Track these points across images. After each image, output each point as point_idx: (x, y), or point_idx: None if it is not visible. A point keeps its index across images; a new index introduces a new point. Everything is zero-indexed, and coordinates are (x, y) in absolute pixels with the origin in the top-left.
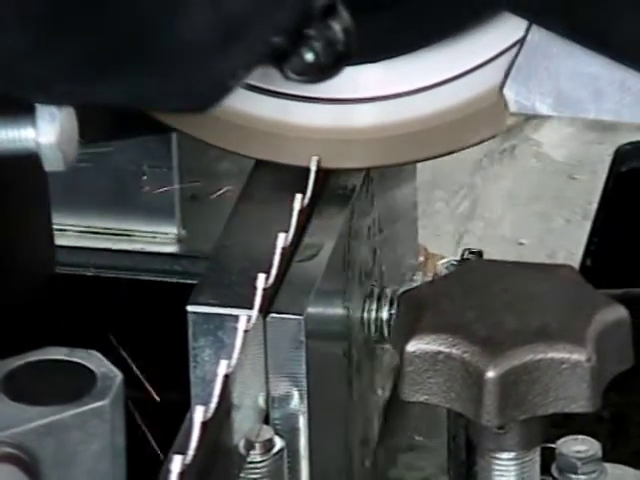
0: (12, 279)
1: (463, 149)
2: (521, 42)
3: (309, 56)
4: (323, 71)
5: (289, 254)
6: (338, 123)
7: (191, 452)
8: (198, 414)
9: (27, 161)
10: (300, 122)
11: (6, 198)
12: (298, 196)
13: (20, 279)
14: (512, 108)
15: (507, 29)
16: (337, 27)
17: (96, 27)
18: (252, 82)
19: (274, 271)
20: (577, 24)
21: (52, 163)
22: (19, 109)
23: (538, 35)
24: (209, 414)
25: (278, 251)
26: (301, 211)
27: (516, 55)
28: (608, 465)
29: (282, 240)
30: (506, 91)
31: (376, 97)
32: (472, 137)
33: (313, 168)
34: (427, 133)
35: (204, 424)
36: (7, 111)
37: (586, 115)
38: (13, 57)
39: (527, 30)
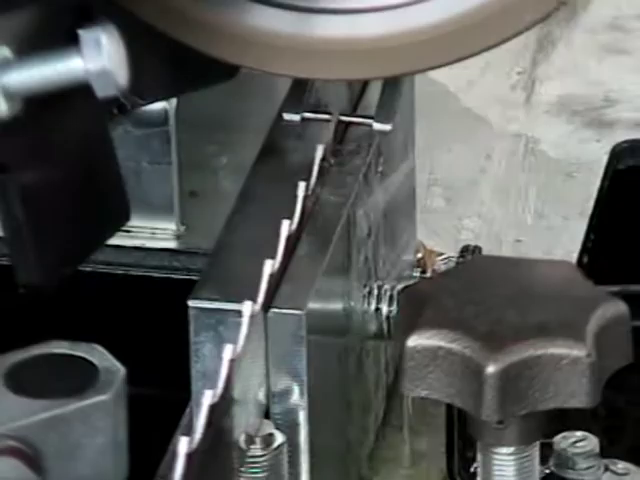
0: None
1: (514, 36)
2: None
3: None
4: None
5: (293, 242)
6: (354, 32)
7: (198, 434)
8: (206, 398)
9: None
10: (315, 34)
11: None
12: (301, 184)
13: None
14: None
15: None
16: None
17: None
18: None
19: (279, 259)
20: None
21: (104, 88)
22: (63, 42)
23: None
24: (216, 398)
25: (283, 238)
26: (305, 198)
27: None
28: (606, 461)
29: (286, 227)
30: None
31: (393, 5)
32: (520, 22)
33: (318, 156)
34: (462, 32)
35: (211, 407)
36: (51, 45)
37: None
38: None
39: None
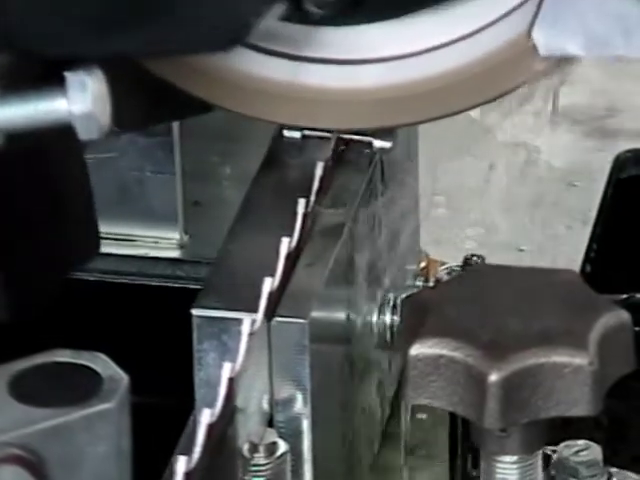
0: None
1: (495, 99)
2: None
3: None
4: (343, 5)
5: (294, 258)
6: (351, 84)
7: (196, 454)
8: (204, 416)
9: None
10: (311, 83)
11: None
12: (301, 201)
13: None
14: (542, 52)
15: None
16: None
17: None
18: (266, 45)
19: (278, 275)
20: None
21: (86, 131)
22: (49, 81)
23: None
24: (215, 416)
25: (282, 256)
26: (305, 215)
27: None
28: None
29: (286, 245)
30: (535, 35)
31: (393, 56)
32: (502, 86)
33: (318, 172)
34: (452, 88)
35: (210, 426)
36: (37, 84)
37: (615, 53)
38: (32, 11)
39: None
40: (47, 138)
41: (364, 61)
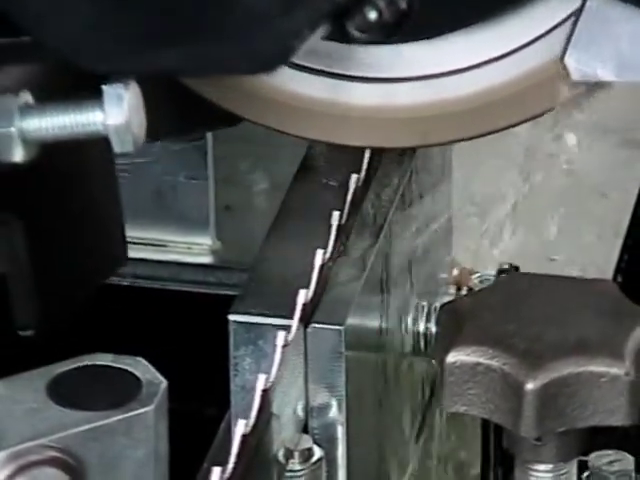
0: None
1: (523, 122)
2: (579, 10)
3: (372, 14)
4: (386, 29)
5: (329, 267)
6: (388, 101)
7: (231, 465)
8: (239, 427)
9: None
10: (351, 101)
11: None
12: (335, 214)
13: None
14: (574, 77)
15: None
16: None
17: None
18: (304, 63)
19: (313, 286)
20: None
21: (121, 145)
22: (86, 94)
23: (596, 1)
24: (249, 427)
25: (317, 264)
26: (340, 226)
27: (575, 23)
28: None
29: (320, 256)
30: (567, 59)
31: (428, 75)
32: (532, 110)
33: (352, 186)
34: (482, 109)
35: (244, 437)
36: (74, 96)
37: None
38: (79, 27)
39: None
40: (81, 150)
41: (401, 79)
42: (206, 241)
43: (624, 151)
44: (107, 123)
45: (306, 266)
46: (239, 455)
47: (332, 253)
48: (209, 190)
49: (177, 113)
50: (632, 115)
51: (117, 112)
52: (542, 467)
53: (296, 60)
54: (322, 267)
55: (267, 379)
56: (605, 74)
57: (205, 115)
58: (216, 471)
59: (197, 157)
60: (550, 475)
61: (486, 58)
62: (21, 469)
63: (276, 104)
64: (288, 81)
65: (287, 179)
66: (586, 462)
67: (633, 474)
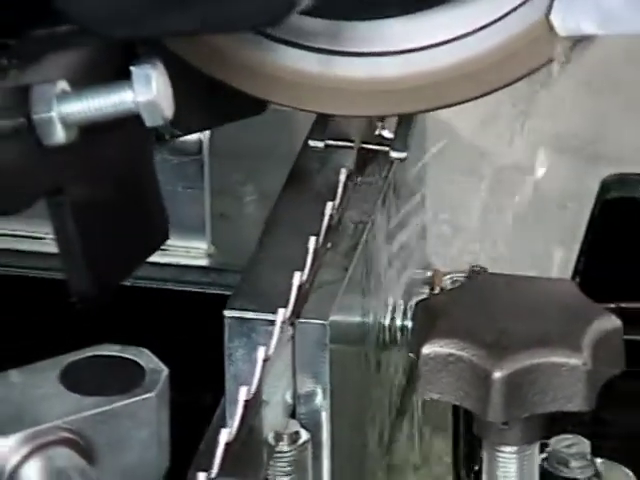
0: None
1: (513, 83)
2: None
3: None
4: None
5: (317, 266)
6: (373, 74)
7: (234, 428)
8: (242, 393)
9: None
10: (339, 74)
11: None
12: (329, 204)
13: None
14: (559, 32)
15: None
16: None
17: None
18: (298, 40)
19: (307, 270)
20: None
21: (152, 118)
22: (117, 76)
23: None
24: (251, 395)
25: (310, 256)
26: (329, 221)
27: None
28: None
29: (312, 244)
30: (552, 16)
31: (415, 48)
32: (520, 70)
33: (342, 178)
34: (472, 74)
35: (246, 402)
36: (105, 80)
37: (633, 31)
38: None
39: None
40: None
41: (386, 53)
42: (202, 245)
43: (581, 164)
44: (137, 100)
45: (295, 267)
46: (242, 418)
47: (320, 248)
48: (205, 199)
49: (199, 105)
50: (590, 131)
51: (146, 90)
52: (508, 449)
53: (292, 39)
54: (313, 262)
55: (266, 351)
56: (589, 28)
57: (233, 105)
58: (224, 432)
59: (194, 169)
60: (515, 456)
61: (476, 27)
62: (36, 449)
63: (270, 77)
64: (281, 56)
65: (276, 190)
66: (547, 444)
67: (589, 456)
